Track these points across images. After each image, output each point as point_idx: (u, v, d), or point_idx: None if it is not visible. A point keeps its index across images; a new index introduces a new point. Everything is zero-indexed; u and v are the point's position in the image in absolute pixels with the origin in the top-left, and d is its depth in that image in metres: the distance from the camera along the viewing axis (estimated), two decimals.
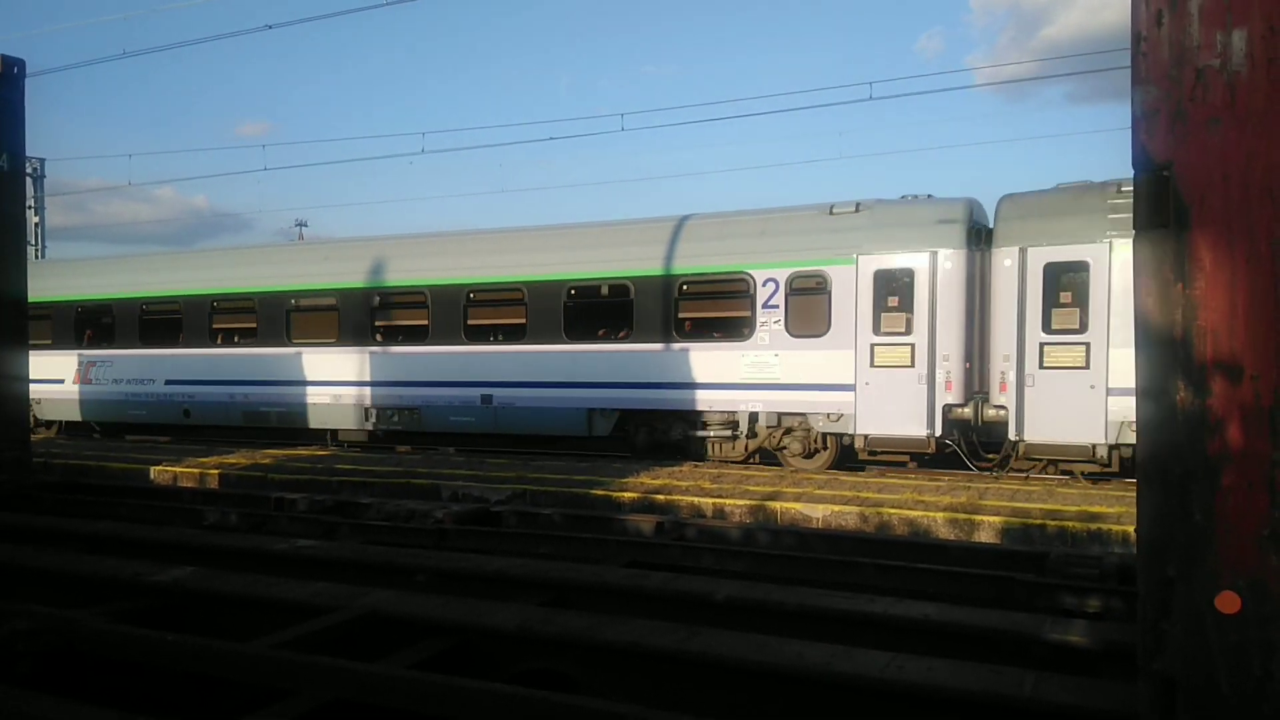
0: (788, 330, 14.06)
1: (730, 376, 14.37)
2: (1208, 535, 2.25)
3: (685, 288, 14.97)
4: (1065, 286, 12.71)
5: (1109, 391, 12.17)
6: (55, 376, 19.71)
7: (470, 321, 16.58)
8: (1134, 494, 2.45)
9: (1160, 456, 2.31)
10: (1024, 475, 13.21)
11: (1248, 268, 2.23)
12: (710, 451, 14.89)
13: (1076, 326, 12.54)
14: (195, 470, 13.57)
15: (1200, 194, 2.30)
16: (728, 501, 10.60)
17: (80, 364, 19.94)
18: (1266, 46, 2.25)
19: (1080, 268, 12.59)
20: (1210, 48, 2.31)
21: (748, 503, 10.50)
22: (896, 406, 13.32)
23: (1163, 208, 2.34)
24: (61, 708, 3.59)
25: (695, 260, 14.90)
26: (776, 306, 14.12)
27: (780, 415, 14.30)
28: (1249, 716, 2.22)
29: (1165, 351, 2.30)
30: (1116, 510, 9.72)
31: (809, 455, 14.26)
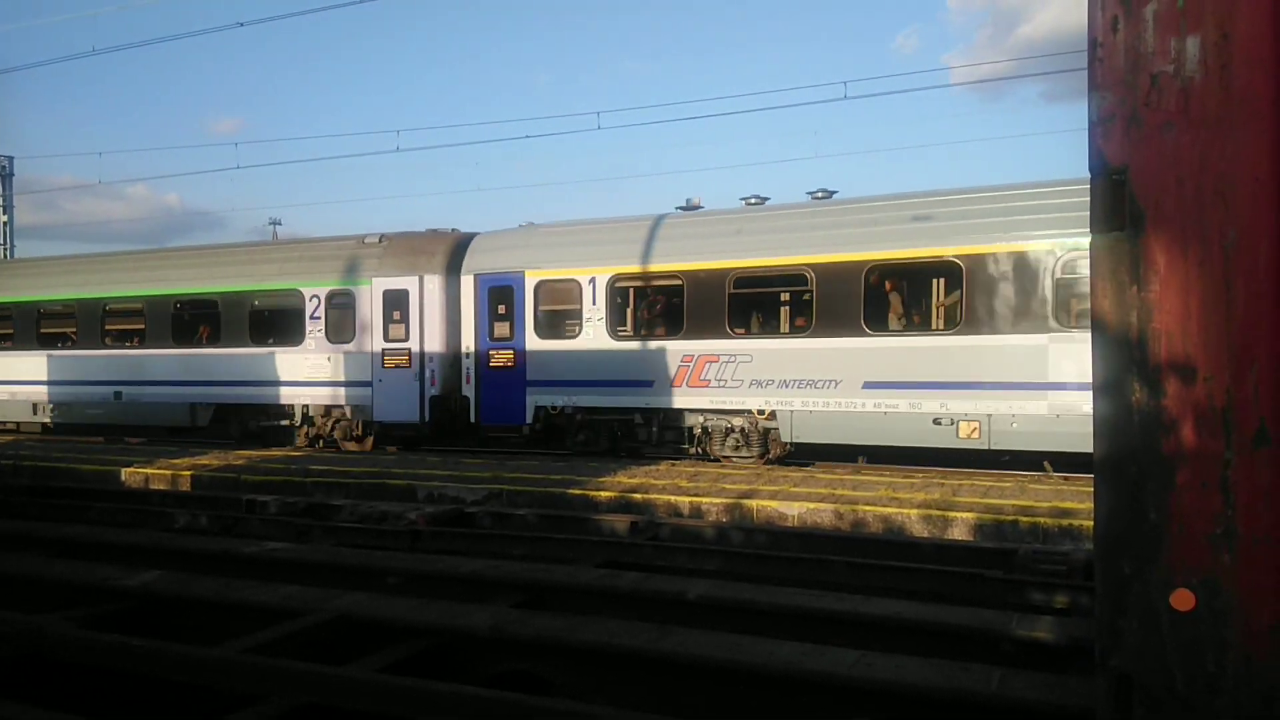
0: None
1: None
2: (1162, 534, 2.28)
3: None
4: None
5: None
6: None
7: None
8: None
9: (1116, 456, 2.35)
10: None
11: (1201, 271, 2.27)
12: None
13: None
14: (167, 472, 13.45)
15: (1155, 198, 2.34)
16: (704, 500, 10.62)
17: None
18: (1219, 53, 2.29)
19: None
20: (1165, 54, 2.34)
21: (724, 501, 10.52)
22: None
23: (1118, 211, 2.37)
24: (29, 714, 3.56)
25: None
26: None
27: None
28: (1203, 712, 2.26)
29: (1121, 352, 2.33)
30: (1087, 506, 9.81)
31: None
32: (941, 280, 13.66)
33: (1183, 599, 2.27)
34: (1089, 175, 2.44)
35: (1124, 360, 2.33)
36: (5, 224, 31.66)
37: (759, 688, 3.77)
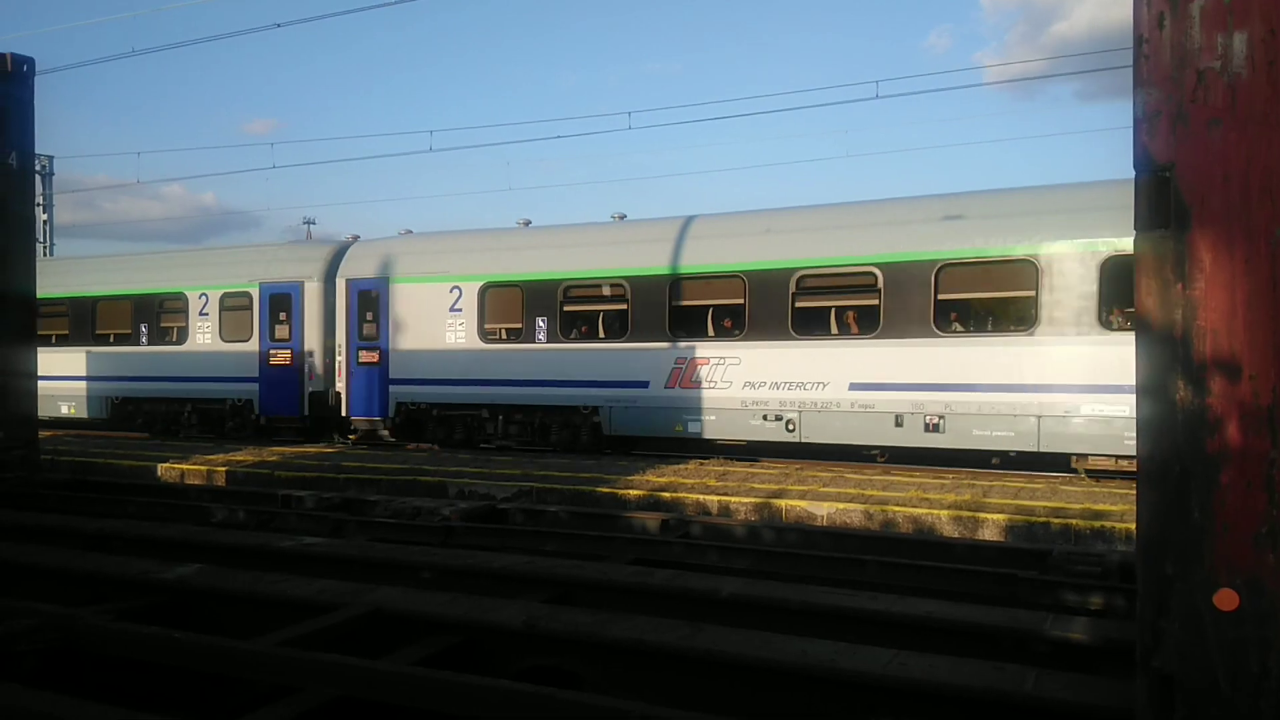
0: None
1: None
2: (1206, 533, 2.26)
3: None
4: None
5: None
6: None
7: None
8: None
9: (1160, 455, 2.33)
10: None
11: (1247, 268, 2.25)
12: None
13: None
14: (203, 468, 13.62)
15: (1201, 195, 2.32)
16: (733, 499, 10.61)
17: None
18: (1267, 49, 2.26)
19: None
20: (1211, 50, 2.32)
21: (753, 500, 10.50)
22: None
23: (1163, 208, 2.35)
24: (64, 705, 3.61)
25: None
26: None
27: None
28: (1246, 713, 2.23)
29: (1165, 350, 2.31)
30: (1120, 508, 9.71)
31: None
32: None
33: (1226, 599, 2.24)
34: (1134, 173, 2.43)
35: (1168, 358, 2.31)
36: (46, 222, 32.19)
37: (792, 687, 3.76)
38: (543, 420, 16.03)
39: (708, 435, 14.61)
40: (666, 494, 11.00)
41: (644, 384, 14.91)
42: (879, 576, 6.00)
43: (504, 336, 16.31)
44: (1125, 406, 11.64)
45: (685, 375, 14.52)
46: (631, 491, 11.19)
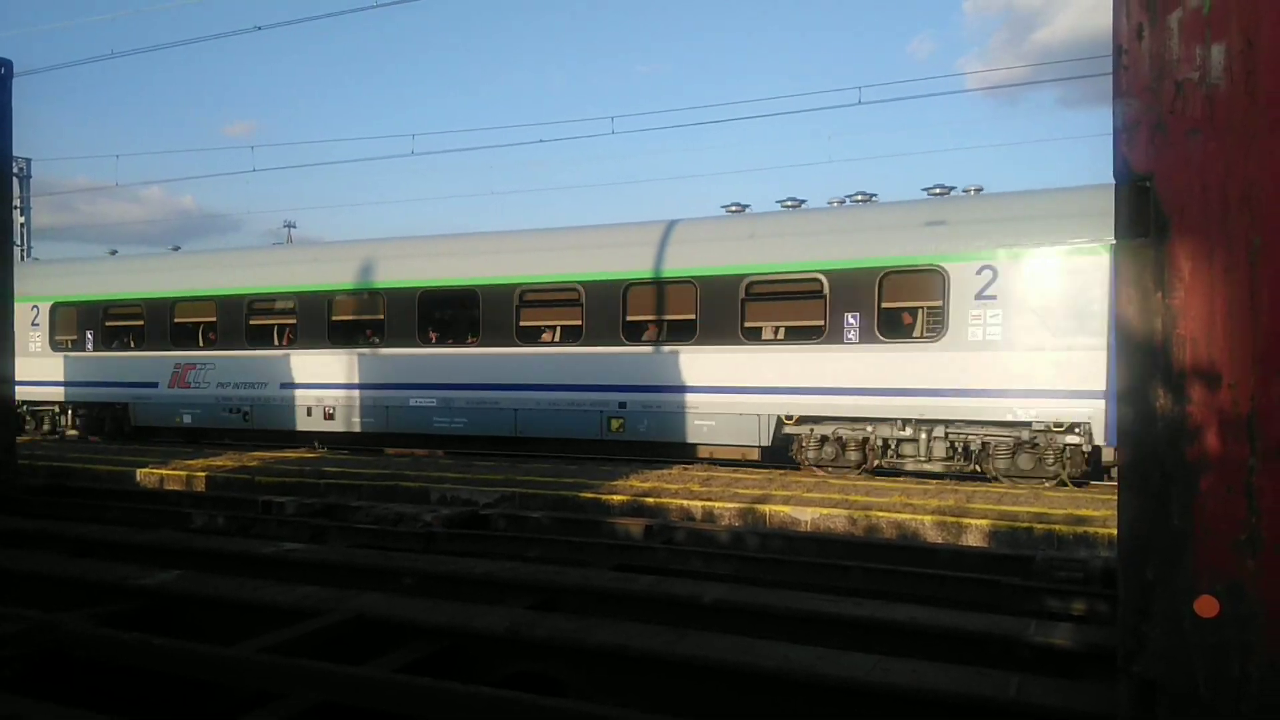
0: None
1: None
2: (1186, 539, 2.28)
3: None
4: None
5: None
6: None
7: None
8: None
9: (1140, 461, 2.35)
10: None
11: (1226, 277, 2.27)
12: None
13: None
14: (182, 473, 13.51)
15: (1180, 204, 2.34)
16: (717, 504, 10.61)
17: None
18: (1244, 60, 2.29)
19: None
20: (1189, 61, 2.35)
21: (737, 505, 10.51)
22: None
23: (1143, 218, 2.37)
24: (46, 711, 3.59)
25: None
26: None
27: None
28: (1228, 717, 2.26)
29: (1145, 359, 2.34)
30: (1103, 514, 9.77)
31: None
32: None
33: (1207, 605, 2.27)
34: (1114, 182, 2.45)
35: (1148, 366, 2.34)
36: (23, 225, 31.92)
37: (775, 692, 3.77)
38: (98, 414, 19.64)
39: (195, 425, 18.52)
40: (650, 499, 10.98)
41: (155, 384, 18.77)
42: (863, 582, 6.03)
43: (68, 346, 20.07)
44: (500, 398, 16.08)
45: (181, 378, 18.54)
46: (615, 497, 11.17)
